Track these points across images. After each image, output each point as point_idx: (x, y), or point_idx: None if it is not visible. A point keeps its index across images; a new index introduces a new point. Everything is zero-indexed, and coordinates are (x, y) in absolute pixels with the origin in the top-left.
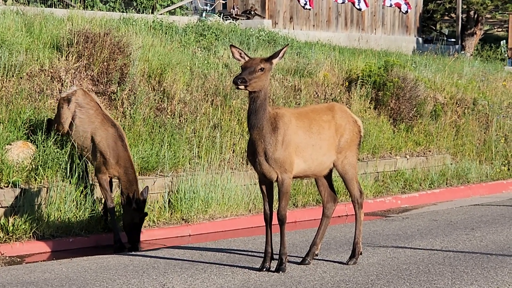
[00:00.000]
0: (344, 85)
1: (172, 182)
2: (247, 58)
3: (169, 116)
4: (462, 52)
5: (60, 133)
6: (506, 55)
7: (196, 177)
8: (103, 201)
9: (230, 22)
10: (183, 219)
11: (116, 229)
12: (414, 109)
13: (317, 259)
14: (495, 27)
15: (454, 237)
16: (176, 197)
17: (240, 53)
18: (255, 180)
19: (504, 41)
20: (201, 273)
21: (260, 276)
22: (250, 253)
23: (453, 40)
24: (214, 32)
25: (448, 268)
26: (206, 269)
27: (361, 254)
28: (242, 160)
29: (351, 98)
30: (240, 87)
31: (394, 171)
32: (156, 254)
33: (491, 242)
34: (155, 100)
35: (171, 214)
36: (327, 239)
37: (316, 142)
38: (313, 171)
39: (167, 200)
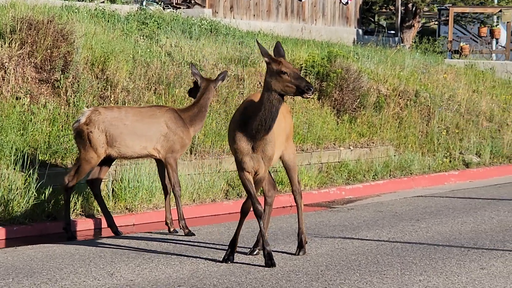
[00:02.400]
0: None
1: (116, 171)
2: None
3: (112, 105)
4: (402, 44)
5: None
6: (446, 47)
7: (140, 166)
8: None
9: (170, 11)
10: (127, 208)
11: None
12: (358, 100)
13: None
14: (432, 20)
15: (400, 228)
16: (120, 186)
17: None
18: (199, 170)
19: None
20: (149, 263)
21: (208, 266)
22: (196, 243)
23: (392, 32)
24: (156, 21)
25: (396, 258)
26: (153, 259)
27: (306, 243)
28: (187, 150)
29: None
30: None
31: (338, 162)
32: (102, 242)
33: (436, 233)
34: (98, 88)
35: (115, 203)
36: (274, 230)
37: (281, 134)
38: (274, 162)
39: (111, 189)
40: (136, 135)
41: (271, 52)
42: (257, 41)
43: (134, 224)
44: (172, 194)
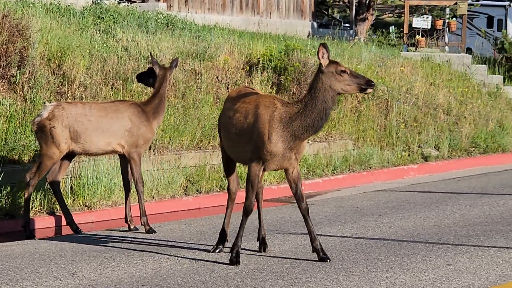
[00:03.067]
0: (245, 69)
1: (74, 168)
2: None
3: (70, 100)
4: (357, 37)
5: None
6: (402, 40)
7: (99, 163)
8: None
9: (125, 5)
10: (85, 206)
11: None
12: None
13: (228, 246)
14: (386, 13)
15: (363, 224)
16: (79, 183)
17: (324, 54)
18: (158, 166)
19: (393, 26)
20: (110, 261)
21: (171, 265)
22: (157, 241)
23: (347, 25)
24: (112, 15)
25: (361, 255)
26: (115, 257)
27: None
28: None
29: (252, 82)
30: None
31: None
32: (62, 241)
33: (400, 228)
34: (55, 84)
35: (74, 200)
36: (234, 226)
37: None
38: None
39: (69, 186)
40: (101, 131)
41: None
42: (322, 44)
43: (93, 222)
44: (133, 190)
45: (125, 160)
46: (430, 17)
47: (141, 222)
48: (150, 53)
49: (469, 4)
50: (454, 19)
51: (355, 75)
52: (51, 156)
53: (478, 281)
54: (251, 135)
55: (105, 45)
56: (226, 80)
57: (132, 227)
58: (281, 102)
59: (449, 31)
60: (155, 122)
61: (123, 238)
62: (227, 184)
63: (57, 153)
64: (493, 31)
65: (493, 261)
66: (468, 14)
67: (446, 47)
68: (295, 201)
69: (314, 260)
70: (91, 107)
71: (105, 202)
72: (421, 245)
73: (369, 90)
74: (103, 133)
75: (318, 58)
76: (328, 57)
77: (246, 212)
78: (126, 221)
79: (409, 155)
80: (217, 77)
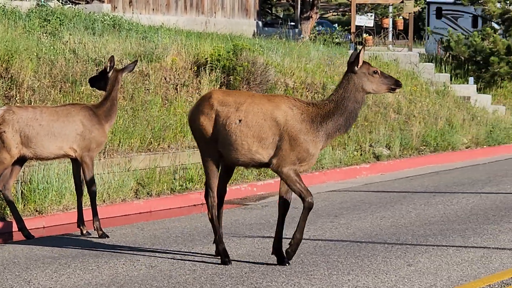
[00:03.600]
0: (193, 69)
1: (24, 173)
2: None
3: (18, 104)
4: (302, 36)
5: None
6: (349, 39)
7: (49, 167)
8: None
9: (69, 7)
10: (36, 211)
11: None
12: (265, 93)
13: (183, 251)
14: (330, 11)
15: (320, 225)
16: (29, 188)
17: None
18: (108, 169)
19: (336, 25)
20: (66, 268)
21: (127, 271)
22: (111, 246)
23: (292, 24)
24: (59, 17)
25: (321, 258)
26: (70, 264)
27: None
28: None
29: (201, 83)
30: None
31: None
32: (14, 247)
33: (357, 229)
34: (3, 87)
35: (24, 205)
36: (189, 230)
37: None
38: None
39: (20, 191)
40: (52, 135)
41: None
42: (356, 49)
43: (44, 227)
44: (85, 194)
45: (77, 164)
46: (373, 15)
47: (94, 227)
48: (112, 56)
49: (458, 3)
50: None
51: (385, 75)
52: (1, 161)
53: (440, 281)
54: (279, 138)
55: (52, 47)
56: (174, 81)
57: (84, 232)
58: (303, 102)
59: (396, 29)
60: (107, 125)
61: (76, 244)
62: (210, 194)
63: (8, 158)
64: None
65: (453, 260)
66: (452, 14)
67: (390, 45)
68: (248, 203)
69: (273, 264)
70: (42, 112)
71: (56, 207)
72: (380, 246)
73: (397, 90)
74: (55, 137)
75: (356, 59)
76: (351, 59)
77: (310, 207)
78: (79, 226)
79: (361, 154)
80: (165, 78)
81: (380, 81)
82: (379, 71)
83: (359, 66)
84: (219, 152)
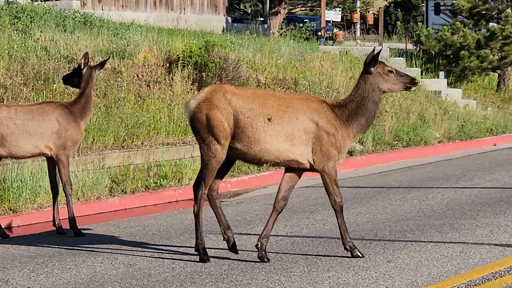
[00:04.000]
0: (165, 66)
1: None
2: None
3: None
4: (271, 31)
5: None
6: (320, 34)
7: (23, 165)
8: None
9: (39, 4)
10: (11, 209)
11: None
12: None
13: (161, 249)
14: (298, 7)
15: (296, 222)
16: (3, 186)
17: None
18: (82, 167)
19: (308, 20)
20: (43, 267)
21: (106, 269)
22: (87, 244)
23: (261, 19)
24: (29, 14)
25: (300, 254)
26: (47, 263)
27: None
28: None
29: (173, 79)
30: None
31: None
32: None
33: (334, 225)
34: None
35: None
36: (165, 227)
37: None
38: None
39: None
40: (28, 134)
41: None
42: (374, 49)
43: (19, 226)
44: (61, 193)
45: (52, 162)
46: (341, 10)
47: (70, 226)
48: (87, 53)
49: None
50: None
51: (400, 74)
52: None
53: (420, 277)
54: (315, 136)
55: (23, 45)
56: (146, 77)
57: (60, 230)
58: (329, 102)
59: (366, 24)
60: (82, 122)
61: (52, 242)
62: (202, 189)
63: None
64: None
65: (432, 256)
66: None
67: (359, 40)
68: (223, 200)
69: (252, 261)
70: (17, 110)
71: (31, 206)
72: (358, 242)
73: (413, 88)
74: (30, 136)
75: (373, 60)
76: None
77: (341, 209)
78: (54, 225)
79: None
80: (137, 75)
81: (396, 80)
82: (394, 70)
83: (374, 65)
84: (229, 148)
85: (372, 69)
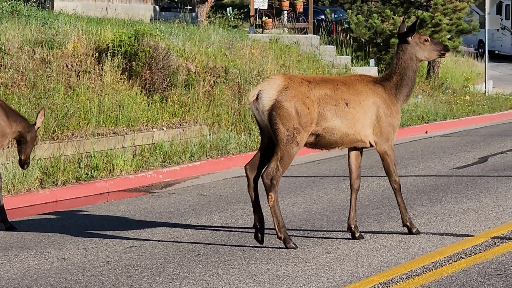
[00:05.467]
0: (95, 56)
1: None
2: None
3: None
4: (199, 19)
5: None
6: (249, 21)
7: None
8: None
9: None
10: None
11: None
12: (168, 79)
13: (95, 242)
14: None
15: (230, 212)
16: None
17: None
18: (12, 159)
19: (230, 8)
20: None
21: (40, 264)
22: (20, 238)
23: (189, 8)
24: None
25: (236, 246)
26: None
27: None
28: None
29: (103, 69)
30: None
31: (152, 144)
32: None
33: (269, 215)
34: None
35: None
36: (98, 219)
37: None
38: None
39: None
40: None
41: None
42: (404, 21)
43: None
44: None
45: None
46: None
47: (1, 219)
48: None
49: None
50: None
51: (435, 42)
52: None
53: (361, 268)
54: (376, 117)
55: None
56: (76, 67)
57: None
58: (379, 80)
59: (295, 12)
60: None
61: None
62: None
63: None
64: (502, 19)
65: (371, 246)
66: None
67: (286, 28)
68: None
69: (188, 254)
70: None
71: None
72: (296, 233)
73: (446, 55)
74: None
75: (411, 30)
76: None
77: (400, 188)
78: None
79: None
80: (67, 65)
81: (431, 48)
82: (429, 39)
83: (411, 35)
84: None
85: (410, 39)
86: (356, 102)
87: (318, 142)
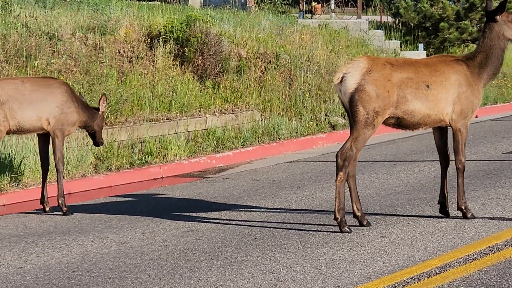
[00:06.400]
0: (146, 42)
1: None
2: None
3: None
4: (248, 5)
5: None
6: (298, 7)
7: (6, 144)
8: None
9: None
10: None
11: None
12: (220, 65)
13: (151, 226)
14: None
15: (284, 197)
16: None
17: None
18: (67, 144)
19: None
20: (33, 247)
21: (98, 248)
22: (76, 222)
23: None
24: None
25: (292, 230)
26: (37, 242)
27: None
28: None
29: (155, 55)
30: None
31: (205, 129)
32: None
33: (323, 200)
34: None
35: None
36: (153, 204)
37: None
38: None
39: None
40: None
41: None
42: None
43: (4, 205)
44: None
45: (45, 139)
46: None
47: (59, 203)
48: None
49: None
50: None
51: None
52: None
53: (417, 252)
54: (457, 95)
55: (3, 22)
56: (128, 53)
57: (47, 209)
58: (463, 59)
59: None
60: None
61: (41, 221)
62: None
63: None
64: None
65: (427, 231)
66: None
67: (333, 14)
68: (208, 176)
69: (245, 238)
70: (24, 82)
71: (15, 184)
72: (349, 217)
73: None
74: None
75: (500, 8)
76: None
77: (464, 169)
78: (42, 203)
79: (316, 124)
80: (119, 51)
81: None
82: None
83: (500, 14)
84: (388, 117)
85: (498, 17)
86: (437, 83)
87: (400, 123)
